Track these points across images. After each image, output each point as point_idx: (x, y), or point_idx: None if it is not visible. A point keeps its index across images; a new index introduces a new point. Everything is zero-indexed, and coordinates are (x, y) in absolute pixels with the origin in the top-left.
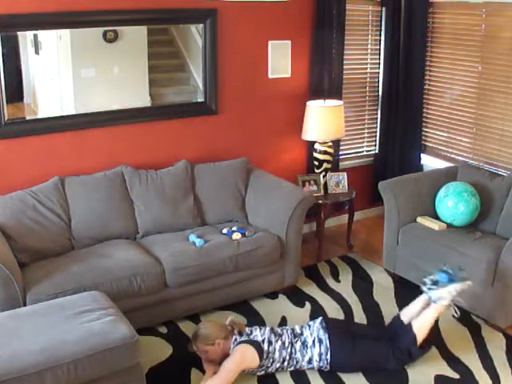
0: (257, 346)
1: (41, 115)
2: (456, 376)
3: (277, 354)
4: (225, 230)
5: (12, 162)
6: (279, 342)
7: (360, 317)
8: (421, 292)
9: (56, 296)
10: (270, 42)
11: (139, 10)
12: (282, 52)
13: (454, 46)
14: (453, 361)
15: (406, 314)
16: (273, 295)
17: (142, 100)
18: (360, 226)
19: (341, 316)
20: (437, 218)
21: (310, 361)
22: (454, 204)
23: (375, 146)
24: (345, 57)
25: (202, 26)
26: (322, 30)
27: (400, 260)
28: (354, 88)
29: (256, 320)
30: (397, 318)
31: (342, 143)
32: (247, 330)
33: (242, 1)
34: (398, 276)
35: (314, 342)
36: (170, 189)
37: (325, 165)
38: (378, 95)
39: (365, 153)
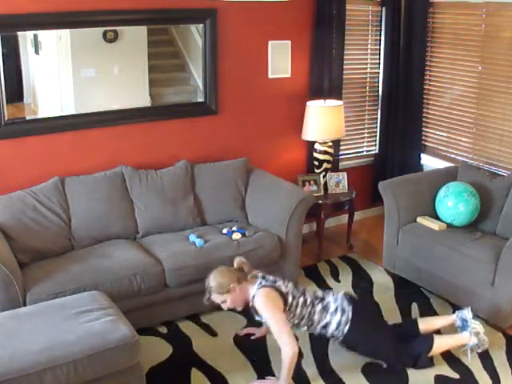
0: (281, 293)
1: (41, 115)
2: (456, 376)
3: (298, 310)
4: (225, 230)
5: (12, 162)
6: (302, 299)
7: None
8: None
9: (56, 296)
10: (269, 42)
11: (139, 10)
12: (282, 52)
13: (453, 45)
14: (453, 361)
15: (425, 324)
16: None
17: (142, 100)
18: (360, 226)
19: None
20: (437, 218)
21: (325, 326)
22: (453, 204)
23: (375, 145)
24: (345, 57)
25: (201, 25)
26: (322, 30)
27: (400, 260)
28: (354, 88)
29: (256, 320)
30: (413, 323)
31: (342, 143)
32: (271, 278)
33: (242, 1)
34: (397, 276)
35: (336, 309)
36: (170, 189)
37: (325, 165)
38: (378, 95)
39: (365, 153)
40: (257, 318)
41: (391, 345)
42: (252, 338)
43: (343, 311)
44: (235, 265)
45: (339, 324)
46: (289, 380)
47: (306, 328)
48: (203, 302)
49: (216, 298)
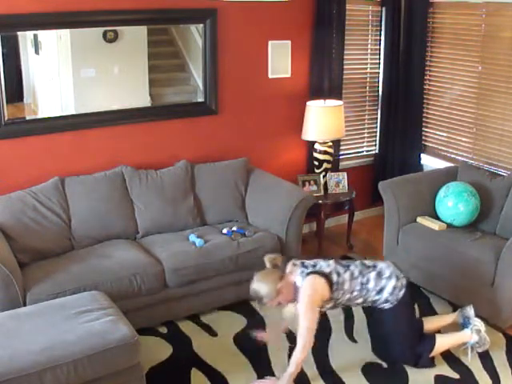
0: (325, 276)
1: (41, 115)
2: (456, 376)
3: (346, 285)
4: (225, 230)
5: (12, 162)
6: (348, 273)
7: (359, 316)
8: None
9: (56, 296)
10: (270, 42)
11: (139, 10)
12: (282, 52)
13: (453, 45)
14: (453, 361)
15: (427, 324)
16: None
17: (142, 100)
18: (360, 226)
19: (341, 316)
20: (437, 218)
21: (380, 291)
22: (453, 204)
23: (375, 145)
24: (345, 57)
25: (201, 26)
26: (322, 30)
27: (400, 260)
28: (354, 88)
29: (256, 320)
30: (420, 323)
31: (342, 143)
32: (311, 262)
33: (242, 1)
34: None
35: (391, 275)
36: (170, 189)
37: (325, 165)
38: (378, 95)
39: (365, 153)
40: None
41: (412, 339)
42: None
43: (397, 277)
44: (268, 264)
45: (394, 288)
46: (290, 381)
47: (360, 300)
48: (257, 308)
49: (270, 304)
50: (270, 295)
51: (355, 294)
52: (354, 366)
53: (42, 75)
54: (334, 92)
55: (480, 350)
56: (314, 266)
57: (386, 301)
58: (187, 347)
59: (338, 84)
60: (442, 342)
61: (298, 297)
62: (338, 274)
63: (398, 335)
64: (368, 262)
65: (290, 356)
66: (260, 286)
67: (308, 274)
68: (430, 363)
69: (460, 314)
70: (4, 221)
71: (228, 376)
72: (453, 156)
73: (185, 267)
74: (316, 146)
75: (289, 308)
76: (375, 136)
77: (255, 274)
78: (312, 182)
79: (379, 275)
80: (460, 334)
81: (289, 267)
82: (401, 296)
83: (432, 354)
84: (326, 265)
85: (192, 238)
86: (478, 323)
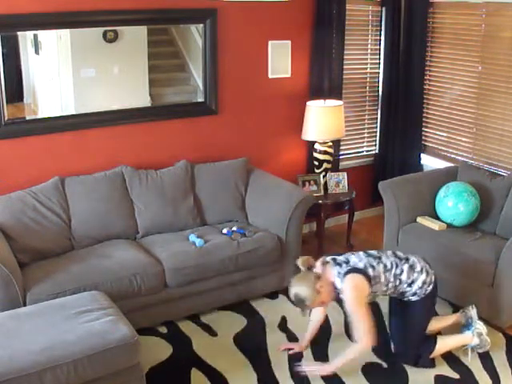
0: (363, 272)
1: (41, 115)
2: (456, 376)
3: (382, 277)
4: (225, 230)
5: (12, 162)
6: (381, 265)
7: None
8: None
9: (56, 296)
10: (270, 42)
11: (139, 10)
12: (282, 52)
13: (453, 45)
14: (453, 361)
15: (431, 323)
16: (273, 295)
17: (142, 100)
18: (360, 226)
19: (341, 316)
20: (437, 218)
21: (411, 284)
22: (453, 204)
23: (375, 145)
24: (345, 57)
25: (201, 26)
26: (322, 30)
27: None
28: (354, 88)
29: (256, 320)
30: None
31: (342, 143)
32: (342, 258)
33: (242, 1)
34: None
35: (422, 269)
36: (169, 189)
37: (325, 165)
38: (378, 95)
39: (365, 153)
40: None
41: (423, 338)
42: (290, 352)
43: (427, 272)
44: (301, 267)
45: (424, 283)
46: (337, 368)
47: (392, 290)
48: (302, 315)
49: (312, 306)
50: (311, 297)
51: (390, 285)
52: (354, 366)
53: (41, 75)
54: (334, 92)
55: (480, 351)
56: (347, 262)
57: (414, 293)
58: (187, 347)
59: (337, 84)
60: (443, 345)
61: (343, 297)
62: (373, 268)
63: (415, 327)
64: (400, 254)
65: (289, 356)
66: (299, 289)
67: (345, 273)
68: (430, 364)
69: (463, 315)
70: (4, 221)
71: (228, 376)
72: (453, 156)
73: (185, 267)
74: (316, 146)
75: (315, 311)
76: (375, 136)
77: (291, 279)
78: (312, 182)
79: (411, 268)
80: (461, 336)
81: (319, 265)
82: (429, 291)
83: (432, 356)
84: (358, 259)
85: (192, 237)
86: (480, 326)
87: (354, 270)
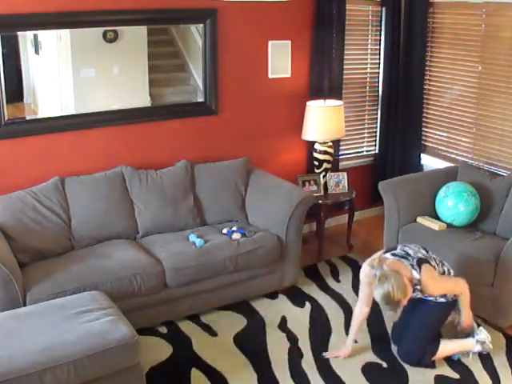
0: (428, 262)
1: (41, 115)
2: (456, 376)
3: (440, 269)
4: (225, 230)
5: (12, 162)
6: (433, 256)
7: None
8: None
9: (56, 296)
10: (270, 42)
11: (139, 10)
12: (282, 52)
13: (453, 45)
14: (453, 361)
15: None
16: (273, 295)
17: (142, 100)
18: (360, 226)
19: (341, 316)
20: (437, 218)
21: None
22: (453, 204)
23: (375, 145)
24: (345, 57)
25: (201, 26)
26: (322, 30)
27: None
28: (354, 88)
29: (256, 320)
30: None
31: (342, 143)
32: (401, 252)
33: (242, 1)
34: None
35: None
36: (169, 189)
37: (325, 165)
38: (378, 95)
39: (365, 153)
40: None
41: (432, 339)
42: (337, 357)
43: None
44: (381, 267)
45: None
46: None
47: None
48: (385, 316)
49: (404, 303)
50: (407, 293)
51: None
52: (354, 366)
53: (41, 75)
54: (334, 92)
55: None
56: (407, 254)
57: (444, 295)
58: (187, 347)
59: (337, 84)
60: (446, 348)
61: (418, 287)
62: (434, 260)
63: (432, 326)
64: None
65: (289, 356)
66: (392, 288)
67: (418, 265)
68: (431, 365)
69: (457, 313)
70: (4, 221)
71: (228, 376)
72: (453, 156)
73: (185, 267)
74: (316, 146)
75: (359, 306)
76: (375, 136)
77: (376, 284)
78: (312, 182)
79: (449, 271)
80: (464, 341)
81: (378, 261)
82: (455, 298)
83: (433, 358)
84: (413, 251)
85: (192, 237)
86: (484, 335)
87: (423, 260)
